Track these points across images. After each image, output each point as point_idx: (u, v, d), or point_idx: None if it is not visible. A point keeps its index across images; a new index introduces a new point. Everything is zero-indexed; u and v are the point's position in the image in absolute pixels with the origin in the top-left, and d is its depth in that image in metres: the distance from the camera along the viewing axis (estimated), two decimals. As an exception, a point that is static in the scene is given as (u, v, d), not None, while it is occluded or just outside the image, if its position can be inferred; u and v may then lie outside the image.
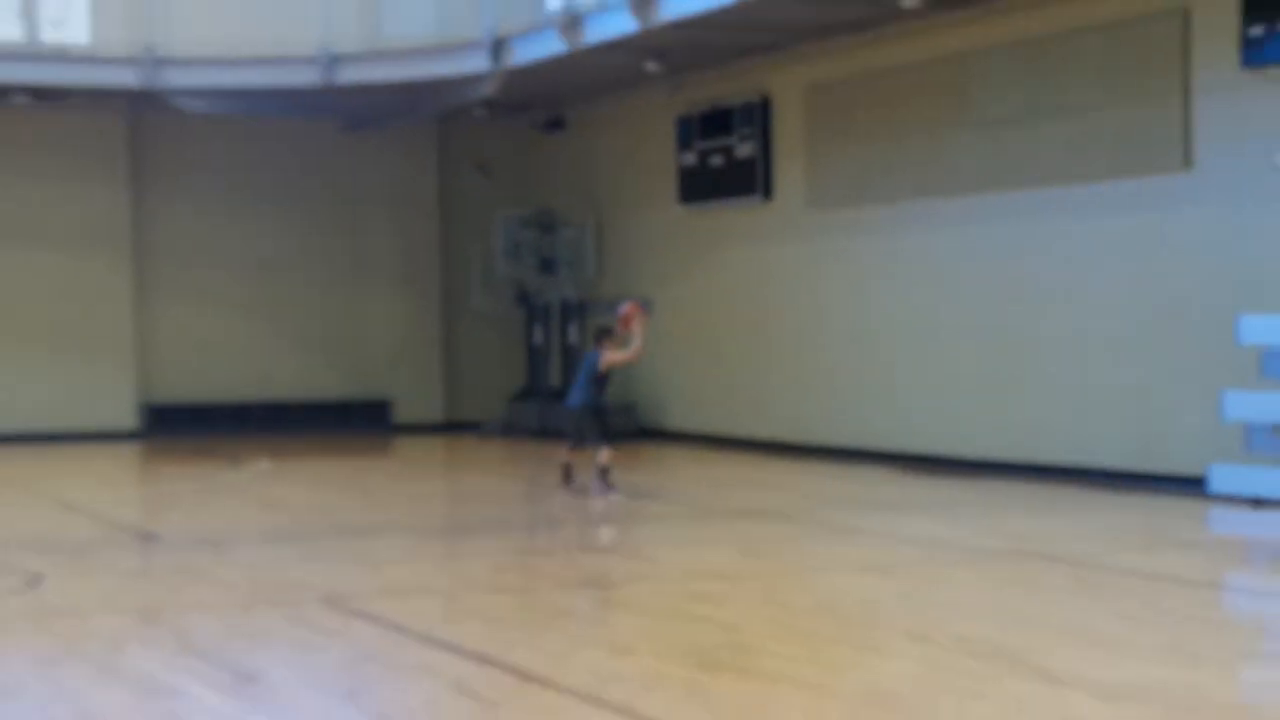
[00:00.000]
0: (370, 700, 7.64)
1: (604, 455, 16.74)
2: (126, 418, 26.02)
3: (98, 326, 25.89)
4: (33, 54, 24.02)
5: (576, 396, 17.16)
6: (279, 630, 9.48)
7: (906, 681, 7.98)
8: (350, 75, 23.69)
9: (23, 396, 25.44)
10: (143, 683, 8.00)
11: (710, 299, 23.52)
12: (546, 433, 24.85)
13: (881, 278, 20.40)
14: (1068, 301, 17.84)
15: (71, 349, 25.72)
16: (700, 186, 23.32)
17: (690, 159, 23.42)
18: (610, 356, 17.01)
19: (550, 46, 21.67)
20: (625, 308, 17.28)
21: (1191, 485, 15.92)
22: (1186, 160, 16.41)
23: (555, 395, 25.69)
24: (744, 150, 22.32)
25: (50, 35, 24.46)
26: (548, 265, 26.05)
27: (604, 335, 17.44)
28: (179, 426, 26.14)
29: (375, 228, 27.45)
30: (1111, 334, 17.33)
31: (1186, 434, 16.35)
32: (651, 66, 22.11)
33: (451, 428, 27.12)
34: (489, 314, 27.20)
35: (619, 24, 20.28)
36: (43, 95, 24.80)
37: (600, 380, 17.06)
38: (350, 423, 27.03)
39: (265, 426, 26.43)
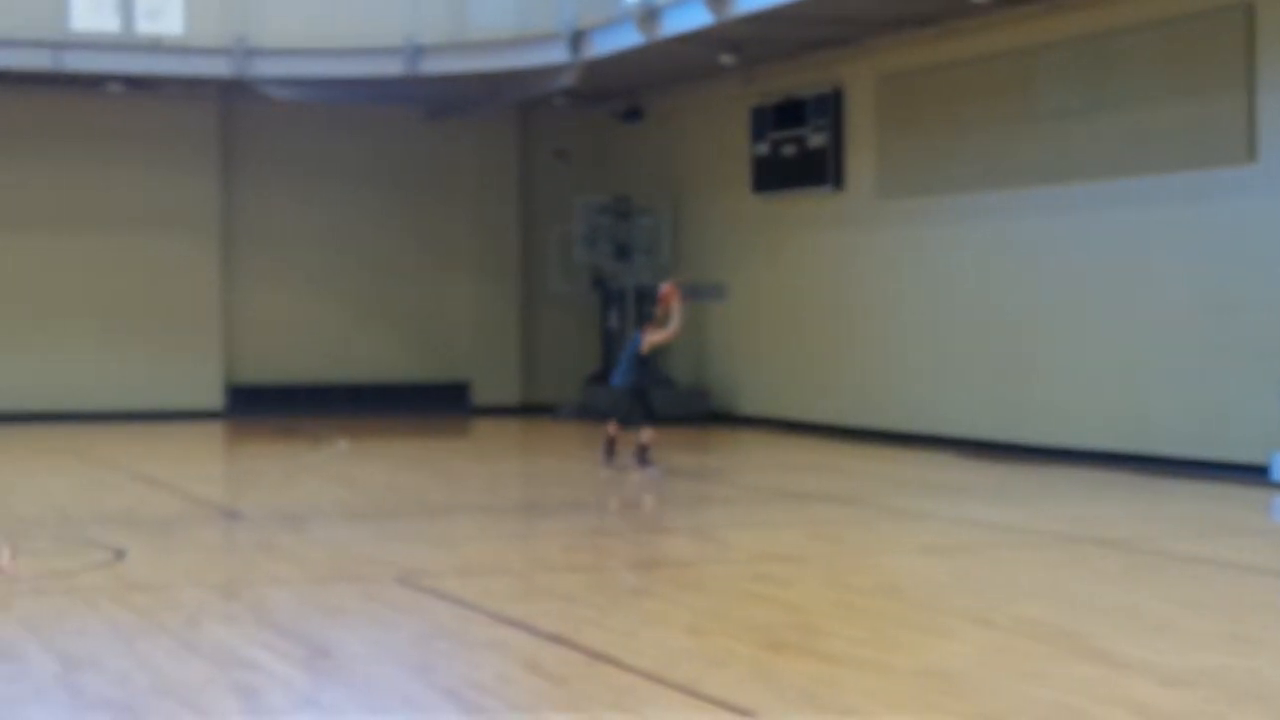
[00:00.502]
0: (441, 675, 7.77)
1: (645, 435, 17.40)
2: (213, 398, 26.41)
3: (187, 309, 26.28)
4: (128, 44, 24.43)
5: (620, 377, 17.88)
6: (354, 606, 9.63)
7: (968, 663, 8.06)
8: (434, 66, 23.96)
9: (114, 377, 25.87)
10: (221, 655, 8.16)
11: (782, 286, 23.63)
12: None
13: (948, 267, 20.46)
14: (1131, 291, 17.85)
15: (161, 331, 26.12)
16: (773, 176, 23.44)
17: (764, 148, 23.54)
18: (651, 338, 17.68)
19: (628, 38, 21.83)
20: (664, 289, 17.93)
21: (1254, 473, 15.94)
22: (1250, 153, 16.41)
23: (630, 380, 25.88)
24: (816, 140, 22.43)
25: (145, 27, 24.88)
26: (624, 251, 26.20)
27: (648, 320, 18.31)
28: (262, 407, 26.49)
29: (456, 213, 27.70)
30: (1174, 323, 17.34)
31: (1249, 422, 16.35)
32: (726, 59, 22.25)
33: (528, 410, 27.32)
34: (567, 297, 27.38)
35: (694, 17, 20.42)
36: (137, 84, 25.20)
37: (643, 361, 17.70)
38: (429, 404, 27.29)
39: (346, 407, 26.72)
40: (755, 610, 9.55)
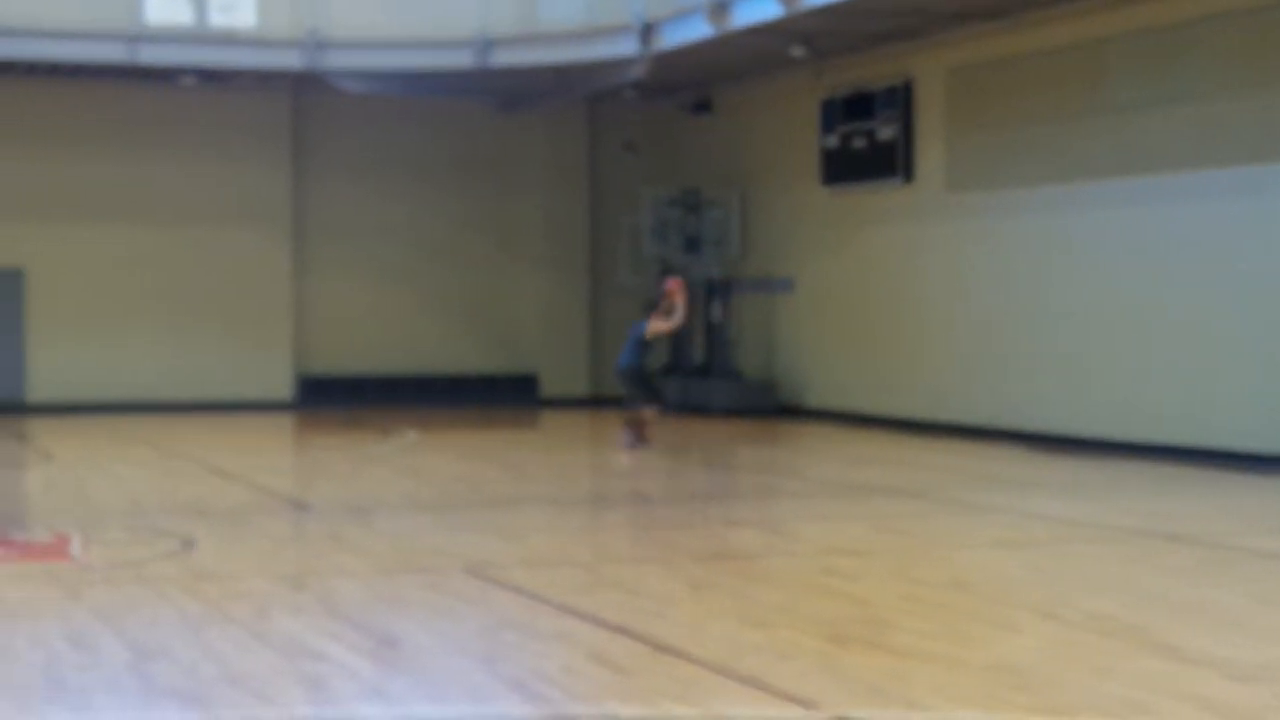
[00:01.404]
0: (507, 666, 7.80)
1: (646, 413, 19.13)
2: (284, 389, 26.59)
3: (258, 301, 26.48)
4: (202, 37, 24.63)
5: (623, 359, 19.43)
6: (421, 597, 9.68)
7: (1036, 657, 8.04)
8: (504, 58, 24.03)
9: (188, 369, 26.11)
10: (289, 646, 8.22)
11: (850, 279, 23.58)
12: (689, 408, 25.07)
13: (1017, 260, 20.37)
14: (1200, 285, 17.74)
15: (233, 323, 26.33)
16: (842, 168, 23.39)
17: (833, 141, 23.49)
18: (655, 325, 19.35)
19: (698, 31, 21.83)
20: (670, 283, 19.51)
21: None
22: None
23: (698, 372, 25.91)
24: (886, 133, 22.37)
25: (219, 20, 25.07)
26: (692, 244, 26.21)
27: (650, 308, 19.87)
28: (332, 398, 26.66)
29: (525, 205, 27.78)
30: (1244, 316, 17.22)
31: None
32: (796, 51, 22.21)
33: (596, 402, 27.37)
34: (636, 290, 27.43)
35: (764, 9, 20.40)
36: (210, 77, 25.40)
37: (646, 345, 19.39)
38: (497, 396, 27.39)
39: (414, 399, 26.86)
40: (822, 603, 9.55)
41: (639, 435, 19.12)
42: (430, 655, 8.13)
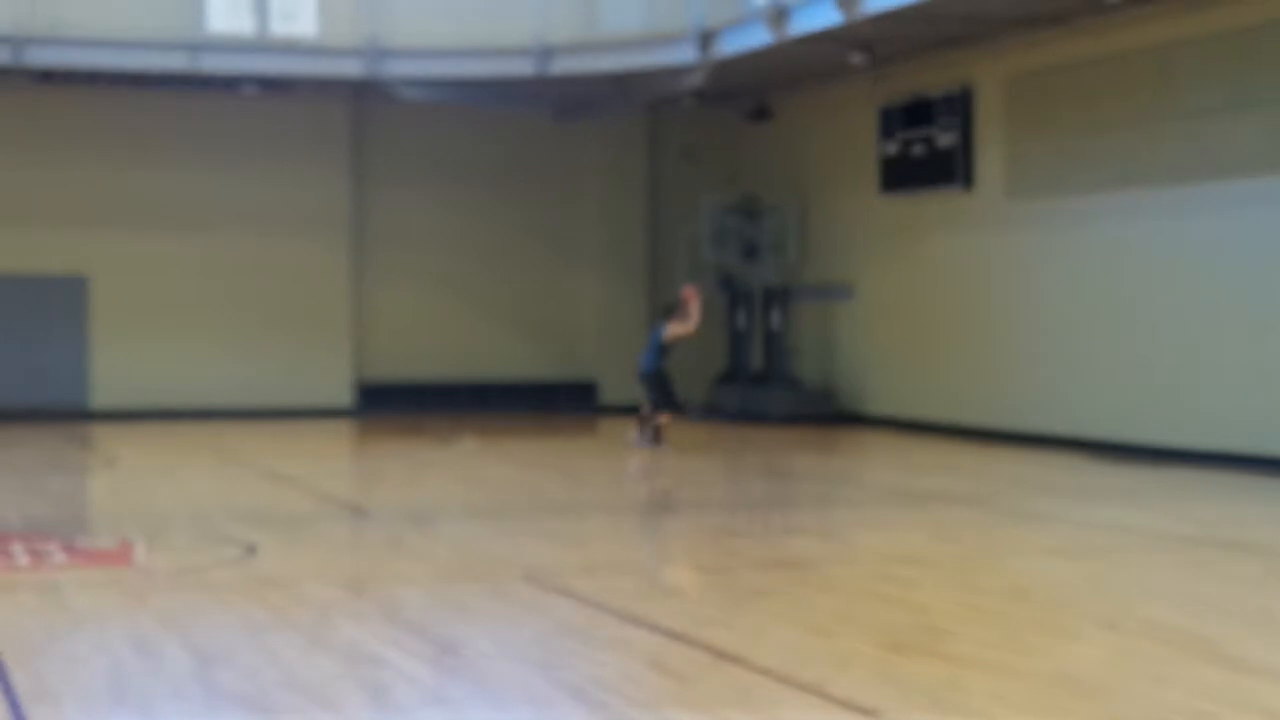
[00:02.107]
0: (567, 673, 7.82)
1: (662, 415, 20.00)
2: (343, 396, 26.73)
3: (318, 309, 26.61)
4: (263, 46, 24.80)
5: (644, 363, 20.20)
6: (481, 604, 9.71)
7: (1096, 666, 8.01)
8: (563, 66, 24.09)
9: (249, 375, 26.25)
10: (350, 652, 8.26)
11: (909, 286, 23.54)
12: (748, 416, 25.07)
13: (1078, 268, 20.29)
14: (1264, 292, 17.62)
15: (294, 330, 26.47)
16: (901, 175, 23.35)
17: (892, 148, 23.46)
18: (673, 330, 20.06)
19: (756, 38, 21.83)
20: (685, 290, 20.51)
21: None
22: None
23: (757, 379, 25.89)
24: (945, 140, 22.32)
25: (280, 28, 25.25)
26: (751, 251, 26.20)
27: (669, 312, 20.51)
28: (391, 405, 26.77)
29: (584, 213, 27.84)
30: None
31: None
32: (855, 58, 22.19)
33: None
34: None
35: (824, 16, 20.38)
36: (270, 85, 25.55)
37: (664, 349, 20.11)
38: (556, 404, 27.43)
39: (473, 406, 26.94)
40: (881, 611, 9.54)
41: (655, 436, 19.92)
42: (490, 662, 8.15)
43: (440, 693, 7.53)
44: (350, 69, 24.67)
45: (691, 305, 20.08)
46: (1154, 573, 11.17)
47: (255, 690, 7.47)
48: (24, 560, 11.26)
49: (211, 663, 8.00)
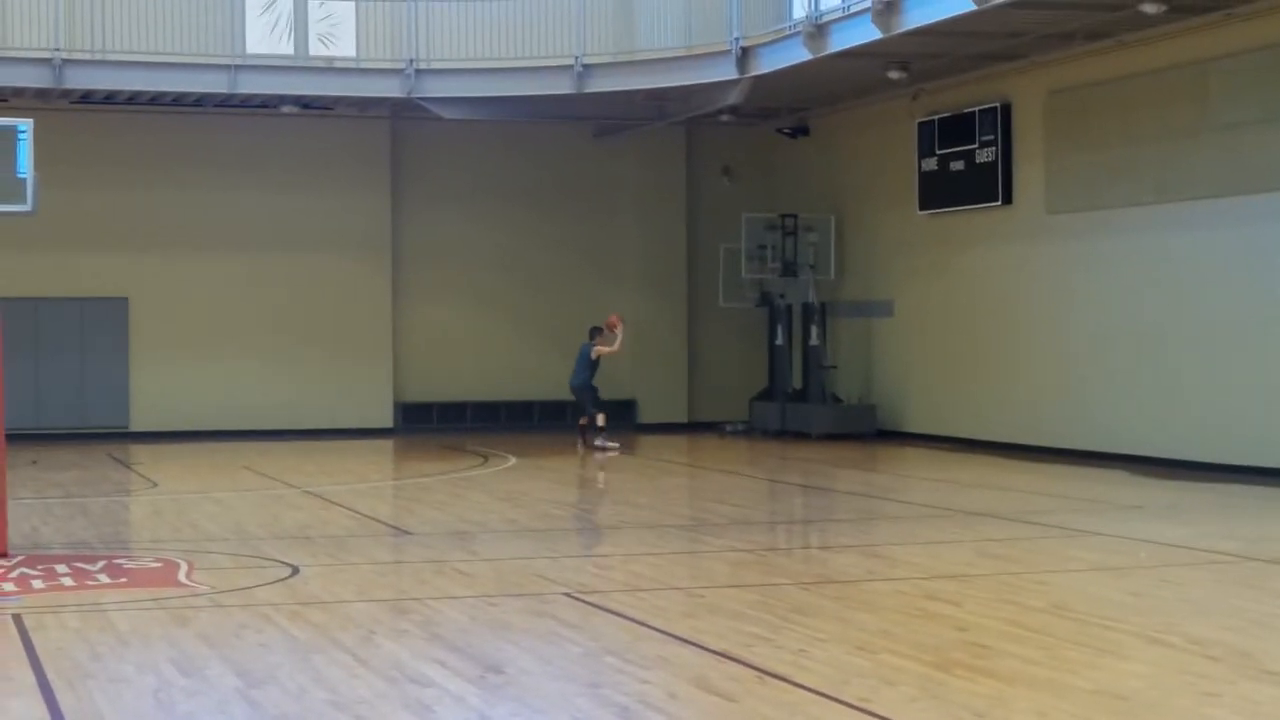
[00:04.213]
0: (611, 692, 7.82)
1: (600, 419, 23.20)
2: (384, 415, 26.79)
3: (359, 328, 26.69)
4: (302, 66, 24.90)
5: (575, 378, 23.70)
6: (523, 622, 9.72)
7: (1141, 682, 7.99)
8: (601, 83, 24.13)
9: (288, 394, 26.34)
10: (394, 671, 8.29)
11: (949, 302, 23.50)
12: (787, 433, 25.04)
13: (1119, 282, 20.24)
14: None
15: (334, 349, 26.55)
16: (940, 191, 23.33)
17: (931, 164, 23.45)
18: (598, 349, 23.56)
19: (795, 55, 21.82)
20: (611, 317, 23.81)
21: None
22: None
23: (796, 396, 25.86)
24: (984, 155, 22.30)
25: (318, 49, 25.37)
26: (789, 268, 26.19)
27: (596, 332, 23.66)
28: (431, 423, 26.82)
29: (623, 230, 27.87)
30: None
31: None
32: (894, 74, 22.18)
33: (694, 427, 27.38)
34: (733, 314, 27.45)
35: (862, 32, 20.36)
36: (310, 105, 25.65)
37: (593, 364, 23.54)
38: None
39: (512, 424, 26.96)
40: (925, 628, 9.53)
41: (600, 433, 22.99)
42: (534, 680, 8.17)
43: (485, 711, 7.54)
44: (389, 88, 24.74)
45: (616, 330, 23.49)
46: (1198, 588, 11.13)
47: (300, 710, 7.49)
48: (68, 581, 11.32)
49: (256, 683, 8.03)
